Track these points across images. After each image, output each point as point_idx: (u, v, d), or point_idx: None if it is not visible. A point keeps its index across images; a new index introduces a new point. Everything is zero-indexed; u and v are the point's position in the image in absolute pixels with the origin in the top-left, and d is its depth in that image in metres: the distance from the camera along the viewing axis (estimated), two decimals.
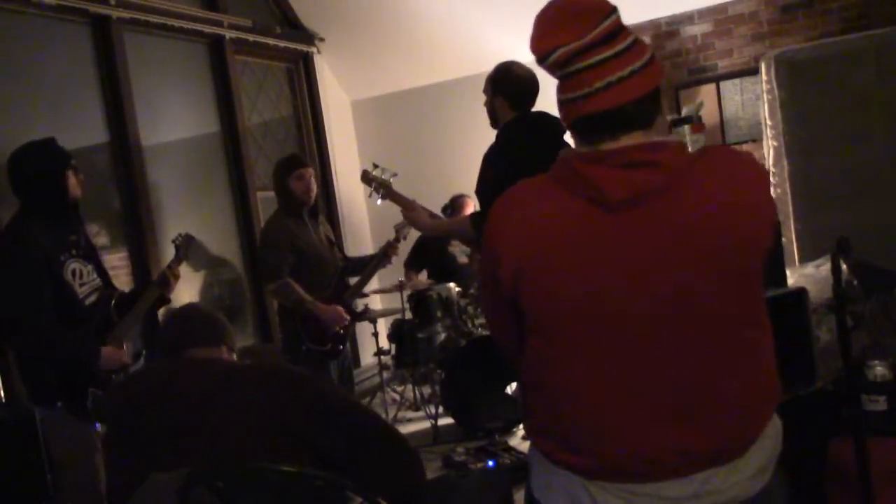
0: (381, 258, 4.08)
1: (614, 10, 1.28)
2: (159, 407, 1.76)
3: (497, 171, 2.80)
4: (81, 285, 2.81)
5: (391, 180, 3.33)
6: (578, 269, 1.29)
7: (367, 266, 4.11)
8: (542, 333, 1.36)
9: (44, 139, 2.91)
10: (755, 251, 1.32)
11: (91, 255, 2.93)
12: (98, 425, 2.75)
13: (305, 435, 1.73)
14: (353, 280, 4.19)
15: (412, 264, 5.71)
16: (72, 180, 2.84)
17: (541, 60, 1.31)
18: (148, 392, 1.82)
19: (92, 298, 2.84)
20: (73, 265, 2.80)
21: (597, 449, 1.33)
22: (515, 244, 1.32)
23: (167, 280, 3.09)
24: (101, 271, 3.03)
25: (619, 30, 1.28)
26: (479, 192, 2.96)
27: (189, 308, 2.14)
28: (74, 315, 2.77)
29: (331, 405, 1.80)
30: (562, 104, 1.34)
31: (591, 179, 1.27)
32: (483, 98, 3.06)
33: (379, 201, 3.34)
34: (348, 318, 3.98)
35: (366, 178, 3.36)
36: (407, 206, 3.05)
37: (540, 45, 1.30)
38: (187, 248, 3.31)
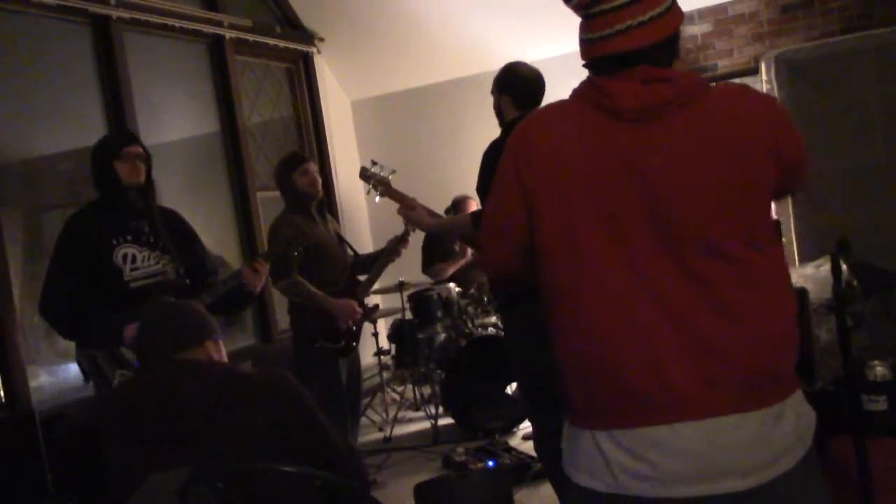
0: (392, 251, 4.05)
1: None
2: (160, 414, 1.76)
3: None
4: (133, 269, 2.87)
5: (390, 177, 3.32)
6: (592, 178, 1.33)
7: (378, 261, 4.09)
8: (557, 252, 1.36)
9: (114, 131, 3.00)
10: (764, 176, 1.35)
11: (154, 245, 2.96)
12: None
13: (293, 441, 1.75)
14: (363, 277, 4.17)
15: (428, 265, 5.65)
16: (123, 169, 2.92)
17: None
18: (147, 398, 1.82)
19: (142, 283, 2.88)
20: (126, 250, 2.87)
21: (621, 381, 1.30)
22: (536, 153, 1.37)
23: (242, 277, 3.07)
24: (186, 261, 3.06)
25: None
26: (480, 190, 2.96)
27: (163, 309, 2.11)
28: (119, 296, 2.83)
29: (312, 419, 1.83)
30: (583, 42, 1.41)
31: (608, 90, 1.34)
32: (491, 99, 3.08)
33: (377, 198, 3.32)
34: (360, 311, 3.98)
35: (364, 175, 3.35)
36: (406, 204, 3.04)
37: None
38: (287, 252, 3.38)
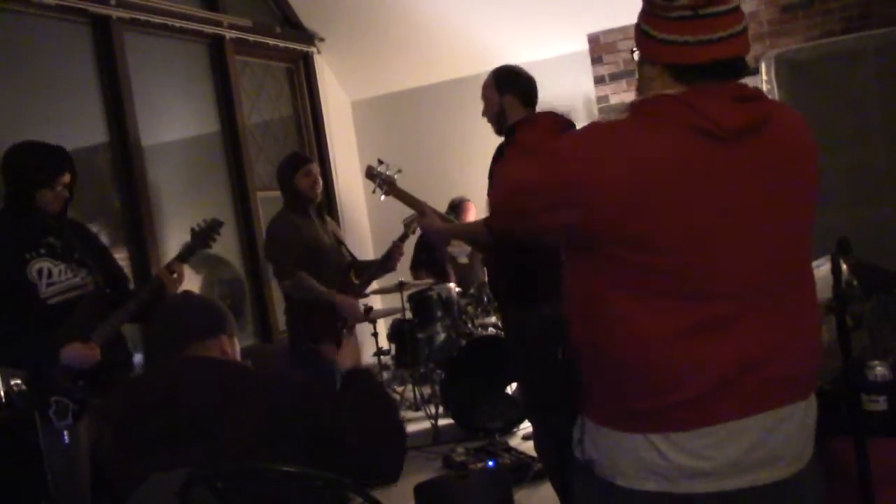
0: (384, 264, 4.06)
1: None
2: (165, 411, 1.74)
3: None
4: (49, 285, 2.74)
5: (395, 176, 3.32)
6: (689, 201, 1.29)
7: (369, 271, 4.10)
8: (636, 269, 1.32)
9: (40, 146, 2.85)
10: (815, 191, 1.43)
11: (68, 258, 2.83)
12: (65, 435, 2.68)
13: (306, 438, 1.73)
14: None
15: (418, 266, 5.69)
16: (47, 196, 2.77)
17: None
18: (154, 395, 1.80)
19: (60, 298, 2.76)
20: (41, 264, 2.73)
21: (682, 385, 1.31)
22: (618, 177, 1.29)
23: (162, 282, 2.97)
24: (103, 273, 2.97)
25: None
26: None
27: (184, 298, 2.07)
28: (33, 314, 2.70)
29: (322, 419, 1.79)
30: (672, 43, 1.33)
31: (704, 110, 1.29)
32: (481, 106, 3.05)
33: (382, 197, 3.33)
34: (363, 311, 3.98)
35: (370, 173, 3.35)
36: (417, 210, 3.04)
37: None
38: (209, 236, 3.15)
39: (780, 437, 1.35)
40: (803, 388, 1.41)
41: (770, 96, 4.88)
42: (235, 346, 1.99)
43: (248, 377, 1.85)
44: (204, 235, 3.15)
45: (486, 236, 2.78)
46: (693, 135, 1.30)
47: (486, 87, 3.02)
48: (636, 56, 1.44)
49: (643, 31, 1.38)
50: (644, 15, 1.39)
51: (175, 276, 2.98)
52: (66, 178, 2.83)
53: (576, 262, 1.41)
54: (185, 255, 3.08)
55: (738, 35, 1.33)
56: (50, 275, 2.75)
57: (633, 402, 1.35)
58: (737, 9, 1.34)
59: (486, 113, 3.03)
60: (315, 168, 3.99)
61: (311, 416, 1.75)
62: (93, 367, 2.75)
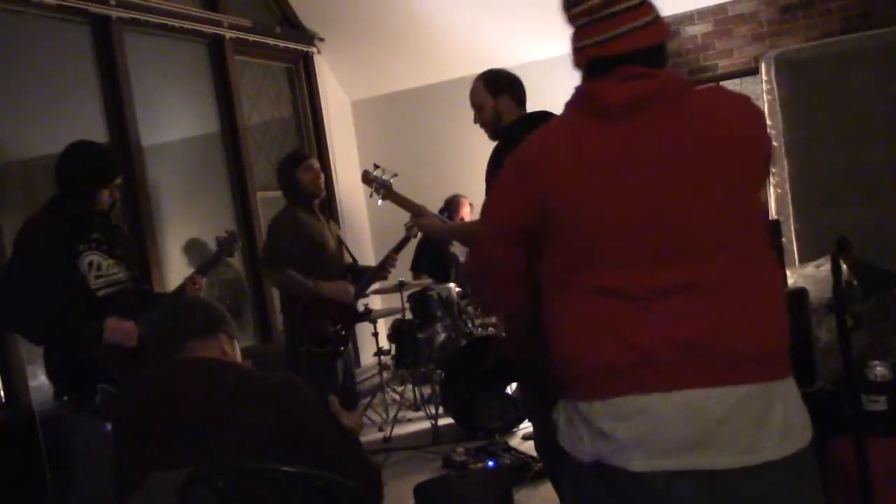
0: (377, 273, 4.09)
1: None
2: (169, 412, 1.74)
3: None
4: (97, 277, 2.82)
5: (392, 181, 3.32)
6: (591, 177, 1.41)
7: (362, 278, 4.11)
8: (564, 245, 1.46)
9: (97, 148, 2.97)
10: (748, 174, 1.44)
11: (113, 253, 2.92)
12: (107, 424, 2.74)
13: (299, 447, 1.74)
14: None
15: (418, 268, 5.68)
16: (103, 195, 2.87)
17: (575, 4, 1.49)
18: (156, 395, 1.79)
19: (107, 291, 2.84)
20: (91, 257, 2.81)
21: (622, 345, 1.36)
22: (544, 163, 1.47)
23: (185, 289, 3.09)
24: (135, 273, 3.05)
25: None
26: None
27: (182, 298, 2.08)
28: (84, 303, 2.78)
29: (319, 425, 1.82)
30: (581, 49, 1.51)
31: (594, 91, 1.46)
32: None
33: (379, 202, 3.33)
34: (353, 290, 3.98)
35: (366, 178, 3.36)
36: (415, 211, 3.03)
37: None
38: (230, 248, 3.33)
39: (708, 418, 1.31)
40: (738, 370, 1.34)
41: (770, 96, 4.90)
42: (236, 349, 1.99)
43: (250, 380, 1.84)
44: (227, 247, 3.32)
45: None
46: (584, 116, 1.46)
47: (477, 94, 2.98)
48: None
49: (572, 48, 1.54)
50: (571, 33, 1.55)
51: (196, 286, 3.09)
52: (119, 179, 2.94)
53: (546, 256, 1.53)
54: (203, 272, 3.21)
55: (640, 29, 1.46)
56: (99, 267, 2.83)
57: (560, 371, 1.46)
58: (636, 6, 1.46)
59: (479, 119, 2.99)
60: (315, 163, 4.00)
61: (312, 429, 1.77)
62: (132, 353, 2.79)
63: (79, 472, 2.76)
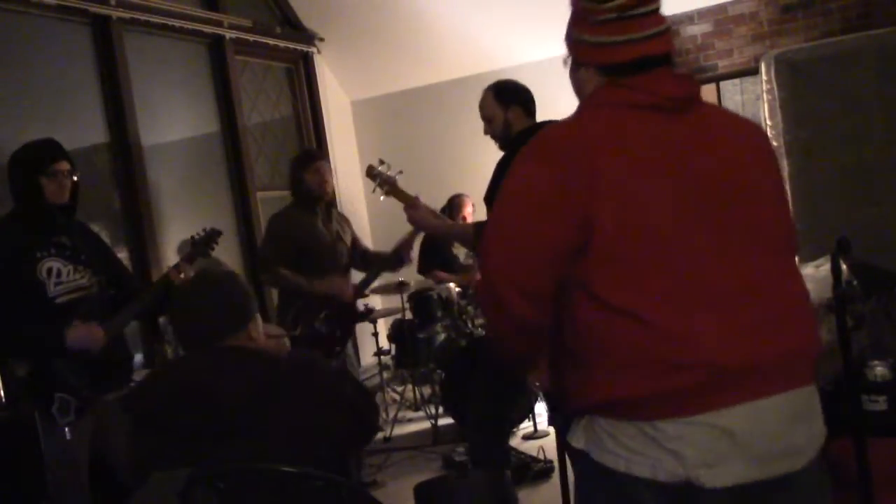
0: (394, 262, 4.03)
1: None
2: (202, 407, 1.72)
3: None
4: (56, 284, 2.77)
5: (396, 177, 3.31)
6: (655, 175, 1.34)
7: (376, 265, 4.07)
8: (617, 252, 1.32)
9: (37, 140, 2.88)
10: (780, 176, 1.51)
11: (77, 259, 2.87)
12: (66, 431, 2.71)
13: (328, 423, 1.79)
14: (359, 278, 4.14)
15: (425, 269, 5.64)
16: (49, 186, 2.78)
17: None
18: (187, 389, 1.77)
19: (68, 297, 2.79)
20: (51, 263, 2.77)
21: (677, 365, 1.28)
22: (585, 162, 1.34)
23: (171, 281, 3.01)
24: (107, 274, 3.00)
25: None
26: (489, 200, 2.90)
27: (205, 296, 1.97)
28: (41, 312, 2.73)
29: (339, 395, 1.87)
30: (607, 44, 1.43)
31: (650, 85, 1.39)
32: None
33: (382, 197, 3.33)
34: (351, 289, 3.97)
35: (370, 173, 3.34)
36: (410, 203, 3.03)
37: None
38: (207, 245, 3.23)
39: (791, 424, 1.34)
40: (799, 372, 1.37)
41: (770, 96, 4.90)
42: (259, 326, 1.95)
43: (282, 370, 1.82)
44: (203, 245, 3.23)
45: (472, 240, 2.79)
46: (629, 111, 1.39)
47: (487, 105, 3.03)
48: (568, 64, 1.54)
49: (575, 38, 1.48)
50: (573, 22, 1.49)
51: (182, 276, 3.03)
52: (63, 165, 2.83)
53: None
54: (189, 261, 3.15)
55: (662, 34, 1.43)
56: (59, 274, 2.79)
57: (625, 398, 1.33)
58: (657, 10, 1.44)
59: (489, 130, 3.04)
60: (323, 166, 3.98)
61: (344, 397, 1.84)
62: (96, 360, 2.77)
63: (49, 482, 2.75)
